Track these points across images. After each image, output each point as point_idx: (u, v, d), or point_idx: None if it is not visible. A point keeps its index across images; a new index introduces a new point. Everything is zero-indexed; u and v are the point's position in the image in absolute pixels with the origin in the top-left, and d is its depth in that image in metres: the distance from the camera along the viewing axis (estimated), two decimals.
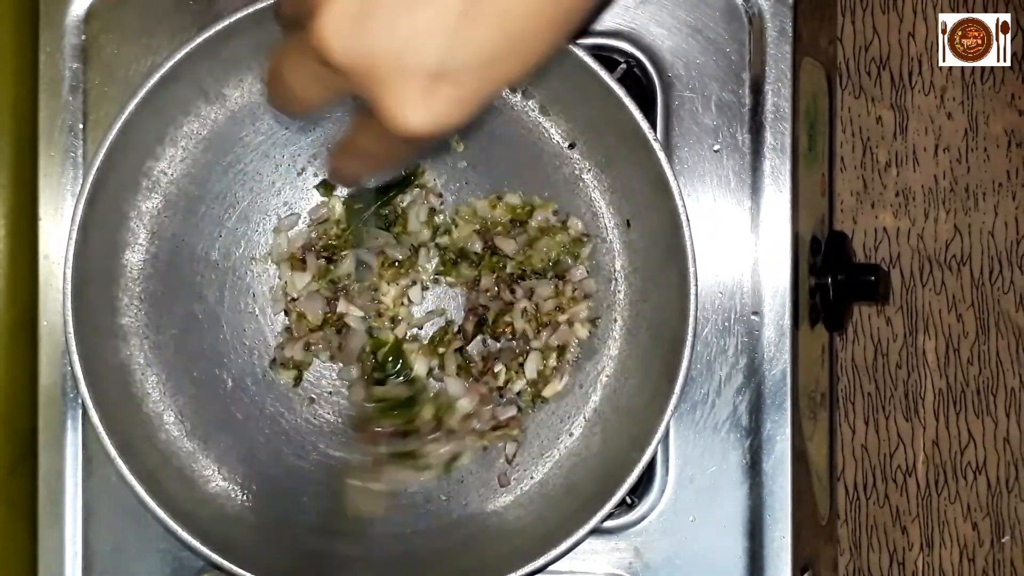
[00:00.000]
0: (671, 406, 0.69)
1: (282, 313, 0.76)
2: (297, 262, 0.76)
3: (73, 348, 0.69)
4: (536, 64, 0.47)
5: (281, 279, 0.76)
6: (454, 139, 0.76)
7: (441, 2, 0.44)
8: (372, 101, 0.47)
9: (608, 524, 0.74)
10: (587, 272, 0.75)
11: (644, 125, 0.69)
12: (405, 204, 0.76)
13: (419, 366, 0.75)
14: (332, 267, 0.76)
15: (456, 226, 0.76)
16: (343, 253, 0.76)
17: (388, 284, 0.76)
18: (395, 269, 0.76)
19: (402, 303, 0.76)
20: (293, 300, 0.76)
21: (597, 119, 0.73)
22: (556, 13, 0.46)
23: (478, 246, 0.75)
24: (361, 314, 0.75)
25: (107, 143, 0.69)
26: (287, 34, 0.50)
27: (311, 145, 0.77)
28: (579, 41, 0.70)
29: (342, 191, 0.76)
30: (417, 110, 0.46)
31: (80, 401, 0.74)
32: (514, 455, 0.75)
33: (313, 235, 0.76)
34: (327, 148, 0.73)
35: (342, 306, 0.75)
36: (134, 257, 0.74)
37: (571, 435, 0.76)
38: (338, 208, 0.76)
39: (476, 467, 0.76)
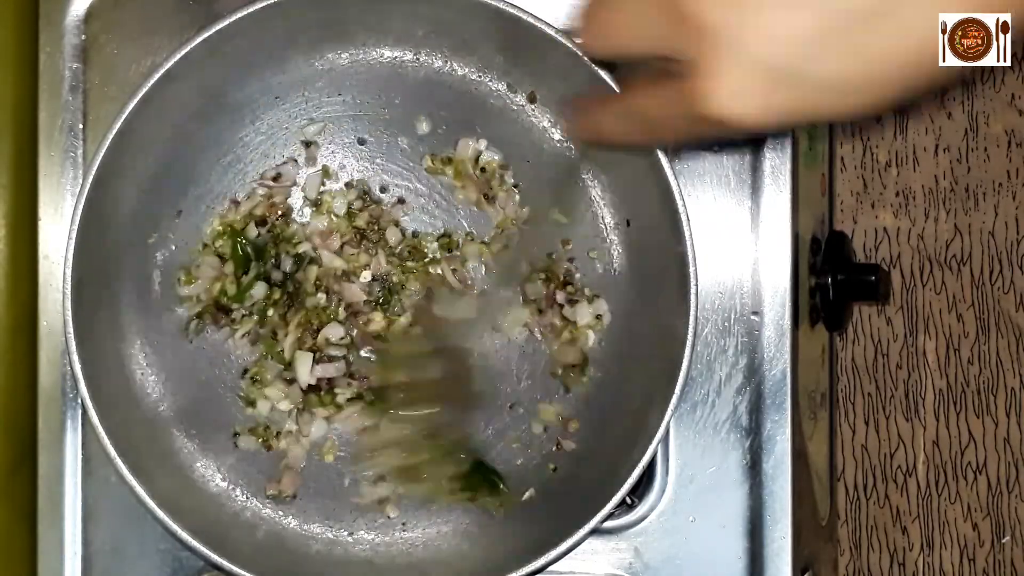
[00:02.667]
0: (671, 406, 0.69)
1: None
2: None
3: (73, 348, 0.69)
4: (871, 106, 0.46)
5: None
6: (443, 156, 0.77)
7: (812, 12, 0.43)
8: (697, 70, 0.45)
9: (608, 524, 0.74)
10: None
11: None
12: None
13: None
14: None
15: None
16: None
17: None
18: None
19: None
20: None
21: None
22: (908, 70, 0.45)
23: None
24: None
25: (107, 143, 0.69)
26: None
27: None
28: (579, 41, 0.70)
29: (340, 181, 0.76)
30: (740, 98, 0.45)
31: (80, 401, 0.74)
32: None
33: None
34: (568, 101, 0.65)
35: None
36: (134, 257, 0.74)
37: (571, 435, 0.76)
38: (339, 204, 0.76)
39: None
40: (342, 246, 0.76)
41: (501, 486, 0.75)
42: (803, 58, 0.44)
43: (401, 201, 0.77)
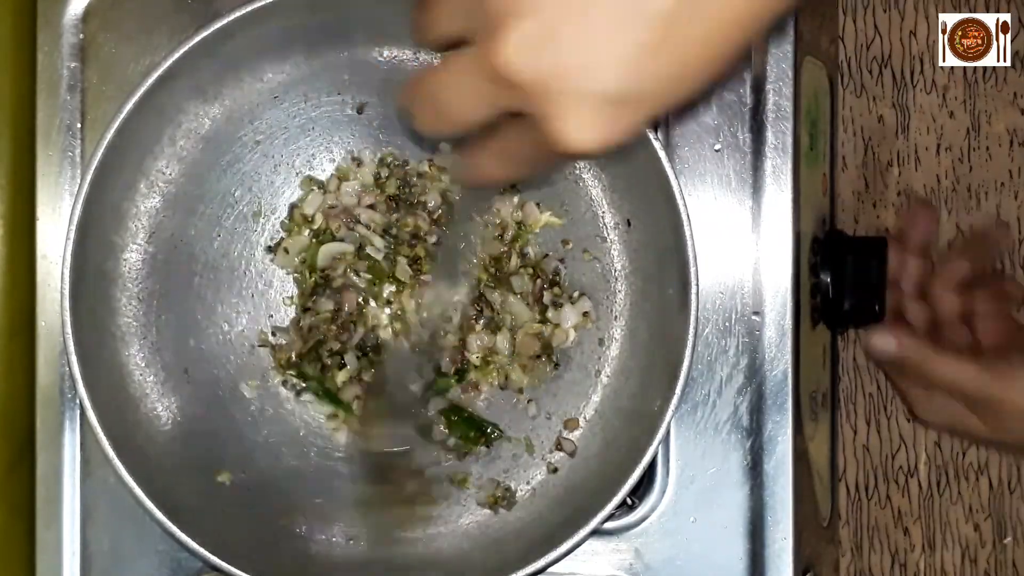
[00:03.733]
0: (672, 407, 0.68)
1: (283, 308, 0.77)
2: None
3: (71, 348, 0.69)
4: (703, 86, 0.49)
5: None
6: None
7: (624, 36, 0.46)
8: (539, 117, 0.48)
9: (608, 525, 0.74)
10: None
11: None
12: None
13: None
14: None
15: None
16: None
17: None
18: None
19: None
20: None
21: None
22: (728, 43, 0.47)
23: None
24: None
25: (105, 142, 0.69)
26: (439, 52, 0.52)
27: (310, 145, 0.77)
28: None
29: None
30: (585, 130, 0.48)
31: (78, 401, 0.74)
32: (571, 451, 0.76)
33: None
34: (456, 146, 0.68)
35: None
36: (132, 257, 0.74)
37: (571, 435, 0.76)
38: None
39: (479, 469, 0.76)
40: (386, 210, 0.76)
41: (490, 429, 0.76)
42: (624, 77, 0.47)
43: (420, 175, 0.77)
